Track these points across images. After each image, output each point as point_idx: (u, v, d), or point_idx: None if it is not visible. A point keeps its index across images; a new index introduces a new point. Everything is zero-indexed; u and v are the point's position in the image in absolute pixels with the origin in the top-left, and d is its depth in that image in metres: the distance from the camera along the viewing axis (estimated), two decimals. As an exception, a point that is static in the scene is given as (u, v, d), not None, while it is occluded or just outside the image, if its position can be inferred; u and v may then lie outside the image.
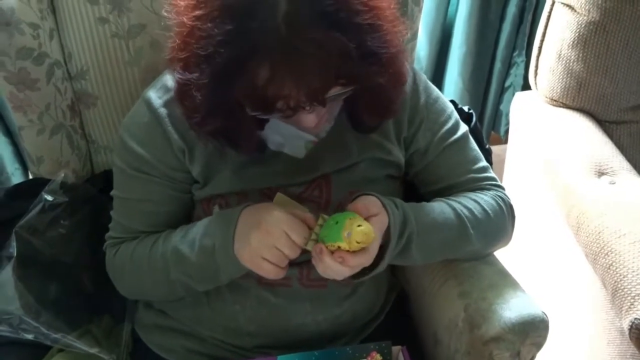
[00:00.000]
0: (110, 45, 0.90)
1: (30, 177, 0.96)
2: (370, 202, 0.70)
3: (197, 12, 0.60)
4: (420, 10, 0.91)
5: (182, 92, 0.66)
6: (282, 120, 0.69)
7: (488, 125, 1.71)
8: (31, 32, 0.83)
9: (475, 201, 0.79)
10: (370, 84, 0.64)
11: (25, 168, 1.51)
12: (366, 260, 0.66)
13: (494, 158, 1.40)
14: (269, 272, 0.68)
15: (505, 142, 1.47)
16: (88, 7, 0.86)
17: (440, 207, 0.77)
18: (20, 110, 0.86)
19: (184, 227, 0.77)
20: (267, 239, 0.67)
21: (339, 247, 0.64)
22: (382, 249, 0.71)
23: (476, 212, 0.77)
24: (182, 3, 0.63)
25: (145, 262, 0.77)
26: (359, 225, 0.64)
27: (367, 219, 0.67)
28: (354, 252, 0.64)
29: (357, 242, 0.64)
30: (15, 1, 0.80)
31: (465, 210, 0.77)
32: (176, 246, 0.74)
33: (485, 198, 0.80)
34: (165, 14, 0.67)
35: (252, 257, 0.68)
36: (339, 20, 0.58)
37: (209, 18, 0.59)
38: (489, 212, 0.79)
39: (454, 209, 0.76)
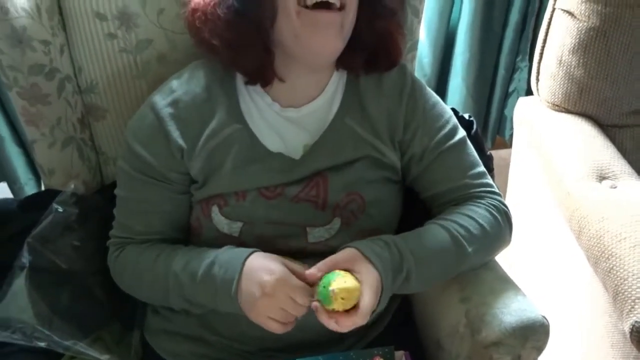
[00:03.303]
0: (118, 60, 0.92)
1: (43, 188, 0.99)
2: (353, 258, 0.72)
3: None
4: (419, 22, 0.93)
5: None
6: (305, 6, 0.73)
7: (493, 129, 1.72)
8: (42, 49, 0.86)
9: (470, 217, 0.80)
10: None
11: (38, 178, 1.54)
12: (360, 320, 0.69)
13: (500, 162, 1.41)
14: (277, 329, 0.72)
15: (511, 145, 1.47)
16: (97, 23, 0.89)
17: (435, 233, 0.78)
18: (32, 124, 0.89)
19: (186, 252, 0.79)
20: (272, 303, 0.70)
21: (332, 309, 0.67)
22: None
23: (472, 229, 0.78)
24: None
25: (146, 276, 0.80)
26: (342, 298, 0.67)
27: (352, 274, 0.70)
28: (347, 312, 0.68)
29: (342, 299, 0.67)
30: (27, 19, 0.82)
31: (461, 230, 0.78)
32: (177, 274, 0.77)
33: (479, 211, 0.81)
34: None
35: (258, 317, 0.72)
36: None
37: None
38: (485, 225, 0.80)
39: (449, 231, 0.77)
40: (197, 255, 0.77)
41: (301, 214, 0.79)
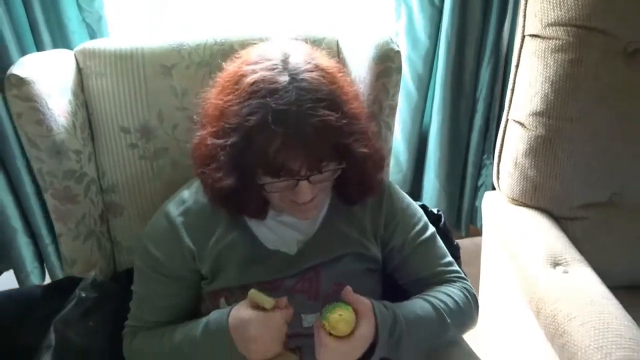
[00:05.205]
0: (137, 165, 1.07)
1: (47, 275, 1.08)
2: (367, 308, 0.83)
3: (229, 97, 0.80)
4: (392, 134, 1.10)
5: (210, 156, 0.83)
6: (284, 192, 0.82)
7: (466, 219, 1.87)
8: (75, 157, 1.00)
9: (448, 295, 0.94)
10: (359, 154, 0.81)
11: (42, 267, 1.64)
12: (346, 349, 0.79)
13: (474, 248, 1.53)
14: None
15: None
16: (122, 135, 1.05)
17: (420, 304, 0.91)
18: (61, 221, 1.02)
19: (184, 327, 0.90)
20: (265, 339, 0.81)
21: (324, 325, 0.79)
22: (373, 347, 0.83)
23: (450, 304, 0.92)
24: (214, 90, 0.84)
25: (155, 353, 0.90)
26: (340, 314, 0.79)
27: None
28: (337, 337, 0.79)
29: (334, 328, 0.78)
30: (65, 134, 0.98)
31: (441, 304, 0.91)
32: (179, 345, 0.88)
33: (455, 291, 0.95)
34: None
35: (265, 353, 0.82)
36: (334, 105, 0.78)
37: (239, 99, 0.78)
38: (460, 303, 0.94)
39: (431, 304, 0.91)
40: (191, 327, 0.89)
41: (297, 304, 0.90)
